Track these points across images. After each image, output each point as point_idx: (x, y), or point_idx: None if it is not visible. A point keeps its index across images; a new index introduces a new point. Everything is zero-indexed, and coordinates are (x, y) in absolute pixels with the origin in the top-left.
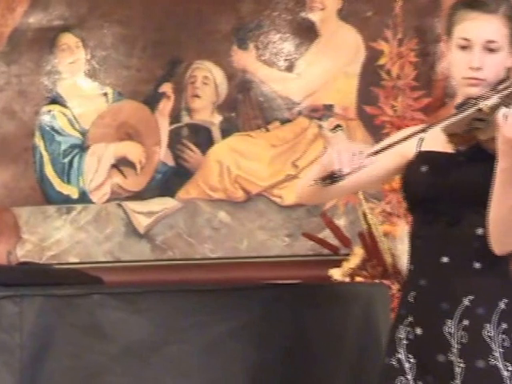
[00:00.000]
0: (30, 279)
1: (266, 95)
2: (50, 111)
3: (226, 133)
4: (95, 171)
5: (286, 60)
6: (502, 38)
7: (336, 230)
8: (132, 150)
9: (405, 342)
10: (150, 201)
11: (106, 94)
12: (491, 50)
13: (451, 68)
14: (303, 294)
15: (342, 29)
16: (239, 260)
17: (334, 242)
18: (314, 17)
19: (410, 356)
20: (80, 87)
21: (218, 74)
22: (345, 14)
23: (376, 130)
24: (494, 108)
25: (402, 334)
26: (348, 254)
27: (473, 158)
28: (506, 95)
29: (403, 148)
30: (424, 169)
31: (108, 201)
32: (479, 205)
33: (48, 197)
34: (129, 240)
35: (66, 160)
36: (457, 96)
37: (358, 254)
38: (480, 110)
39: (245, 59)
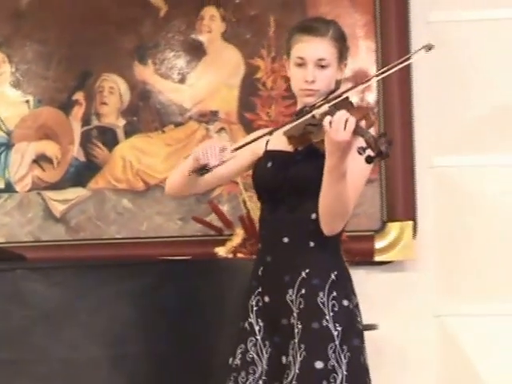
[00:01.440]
0: None
1: (163, 103)
2: None
3: (128, 134)
4: (19, 165)
5: (179, 74)
6: (330, 56)
7: (220, 215)
8: (49, 148)
9: (255, 308)
10: (65, 190)
11: (27, 101)
12: (322, 67)
13: (291, 82)
14: (193, 268)
15: (225, 48)
16: (140, 240)
17: (218, 224)
18: (202, 38)
19: (259, 320)
20: (6, 95)
21: (122, 85)
22: (228, 36)
23: None
24: (324, 115)
25: (253, 302)
26: (231, 235)
27: (307, 156)
28: (333, 105)
29: (254, 147)
30: (269, 164)
31: (30, 190)
32: (313, 194)
33: None
34: (47, 223)
35: None
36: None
37: (238, 235)
38: (313, 116)
39: (144, 73)
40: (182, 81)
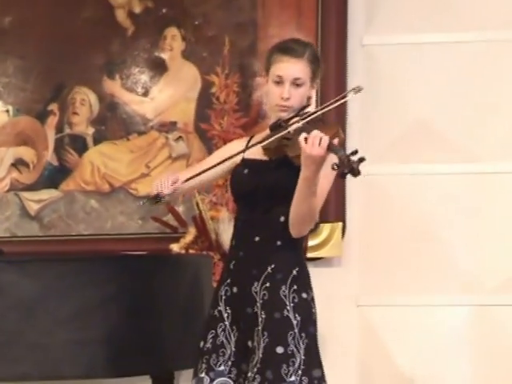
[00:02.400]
0: None
1: (128, 113)
2: None
3: (97, 141)
4: None
5: (143, 87)
6: (305, 76)
7: (176, 215)
8: (26, 153)
9: (224, 297)
10: (39, 191)
11: (7, 111)
12: (297, 85)
13: (268, 97)
14: (150, 262)
15: (184, 65)
16: (105, 236)
17: (174, 223)
18: (164, 56)
19: (227, 308)
20: None
21: (92, 97)
22: (187, 54)
23: (208, 141)
24: (298, 131)
25: (222, 292)
26: (184, 233)
27: (280, 165)
28: (307, 122)
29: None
30: (246, 171)
31: (8, 191)
32: (283, 199)
33: None
34: (23, 220)
35: None
36: (270, 117)
37: (191, 233)
38: (288, 132)
39: (112, 86)
40: (145, 94)
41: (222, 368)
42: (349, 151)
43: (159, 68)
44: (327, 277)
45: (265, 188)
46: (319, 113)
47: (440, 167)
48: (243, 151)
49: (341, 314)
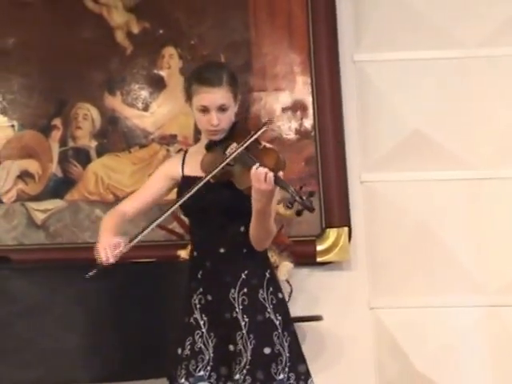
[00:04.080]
0: None
1: (129, 127)
2: None
3: (99, 153)
4: (5, 180)
5: (143, 103)
6: (228, 100)
7: (181, 223)
8: (32, 165)
9: (199, 305)
10: (45, 201)
11: (13, 126)
12: (223, 110)
13: (197, 123)
14: (158, 268)
15: (182, 82)
16: None
17: (180, 231)
18: (162, 73)
19: (203, 315)
20: None
21: (94, 112)
22: (184, 72)
23: None
24: (237, 159)
25: (196, 300)
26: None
27: (224, 186)
28: (245, 148)
29: (169, 173)
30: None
31: (15, 201)
32: (238, 213)
33: None
34: (29, 229)
35: None
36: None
37: None
38: (228, 164)
39: (113, 102)
40: (145, 109)
41: (202, 373)
42: (293, 187)
43: (158, 84)
44: (338, 280)
45: (218, 206)
46: (252, 139)
47: (433, 174)
48: (190, 191)
49: (354, 317)
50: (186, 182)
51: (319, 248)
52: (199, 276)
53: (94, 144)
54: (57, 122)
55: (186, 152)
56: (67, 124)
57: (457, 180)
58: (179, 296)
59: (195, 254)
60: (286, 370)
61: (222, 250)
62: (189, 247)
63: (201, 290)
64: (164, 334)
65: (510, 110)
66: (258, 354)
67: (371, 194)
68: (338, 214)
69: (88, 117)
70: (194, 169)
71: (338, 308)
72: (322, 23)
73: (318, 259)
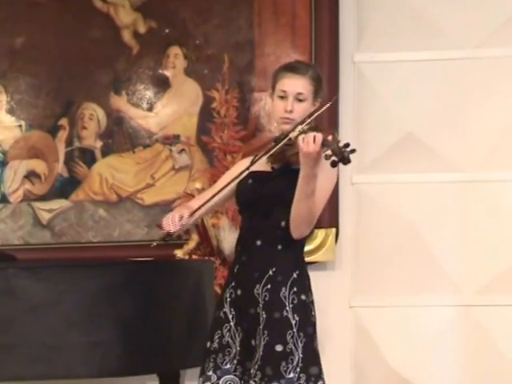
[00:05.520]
0: None
1: (134, 127)
2: None
3: (105, 154)
4: (12, 180)
5: (148, 103)
6: (307, 92)
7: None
8: (38, 166)
9: (229, 299)
10: (51, 201)
11: (20, 126)
12: (300, 100)
13: (273, 111)
14: (156, 267)
15: (186, 82)
16: (113, 243)
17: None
18: (167, 73)
19: (232, 309)
20: (2, 120)
21: (99, 112)
22: (189, 72)
23: (209, 153)
24: (297, 136)
25: (227, 294)
26: (187, 239)
27: (281, 174)
28: (305, 126)
29: (236, 172)
30: (250, 181)
31: (21, 201)
32: (284, 205)
33: None
34: (35, 229)
35: None
36: (274, 131)
37: (194, 239)
38: (289, 139)
39: (119, 102)
40: (150, 109)
41: (228, 366)
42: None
43: (163, 84)
44: (321, 280)
45: (265, 195)
46: (316, 114)
47: (425, 176)
48: (247, 168)
49: (335, 315)
50: (247, 177)
51: (306, 248)
52: (235, 270)
53: (99, 144)
54: (63, 122)
55: (256, 155)
56: (73, 124)
57: (445, 182)
58: (174, 294)
59: (238, 248)
60: (298, 370)
61: (258, 243)
62: (185, 247)
63: (233, 284)
64: (161, 331)
65: (501, 114)
66: (269, 351)
67: (360, 196)
68: (327, 214)
69: (94, 117)
70: (260, 165)
71: (318, 307)
72: (324, 23)
73: (305, 259)
